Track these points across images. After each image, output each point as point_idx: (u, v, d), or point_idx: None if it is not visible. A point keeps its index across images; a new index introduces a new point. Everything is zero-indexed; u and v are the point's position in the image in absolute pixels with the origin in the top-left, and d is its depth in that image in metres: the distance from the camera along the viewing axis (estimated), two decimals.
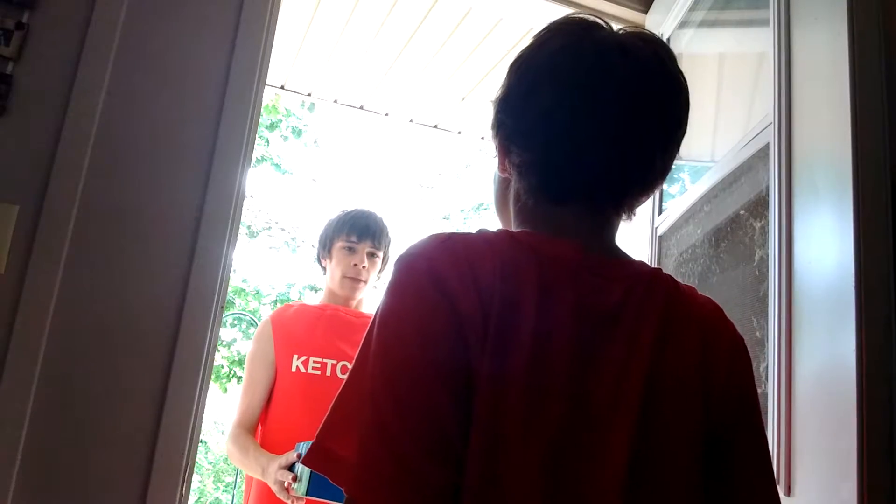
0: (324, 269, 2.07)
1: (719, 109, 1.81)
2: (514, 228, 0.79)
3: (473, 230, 0.73)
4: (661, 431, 0.67)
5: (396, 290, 0.67)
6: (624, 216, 0.79)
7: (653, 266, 0.79)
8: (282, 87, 3.16)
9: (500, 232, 0.74)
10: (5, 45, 1.27)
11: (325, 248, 2.03)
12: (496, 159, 0.82)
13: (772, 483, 0.76)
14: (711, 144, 1.82)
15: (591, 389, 0.66)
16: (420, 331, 0.64)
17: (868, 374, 0.99)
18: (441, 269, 0.65)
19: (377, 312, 0.67)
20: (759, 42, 1.60)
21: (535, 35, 0.79)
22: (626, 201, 0.77)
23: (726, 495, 0.72)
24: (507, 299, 0.65)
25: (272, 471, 1.63)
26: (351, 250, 1.97)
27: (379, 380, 0.64)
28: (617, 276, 0.73)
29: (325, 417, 0.67)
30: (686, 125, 0.79)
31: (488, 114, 0.83)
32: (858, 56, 1.10)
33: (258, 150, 11.01)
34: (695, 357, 0.72)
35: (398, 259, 0.69)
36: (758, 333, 1.29)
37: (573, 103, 0.72)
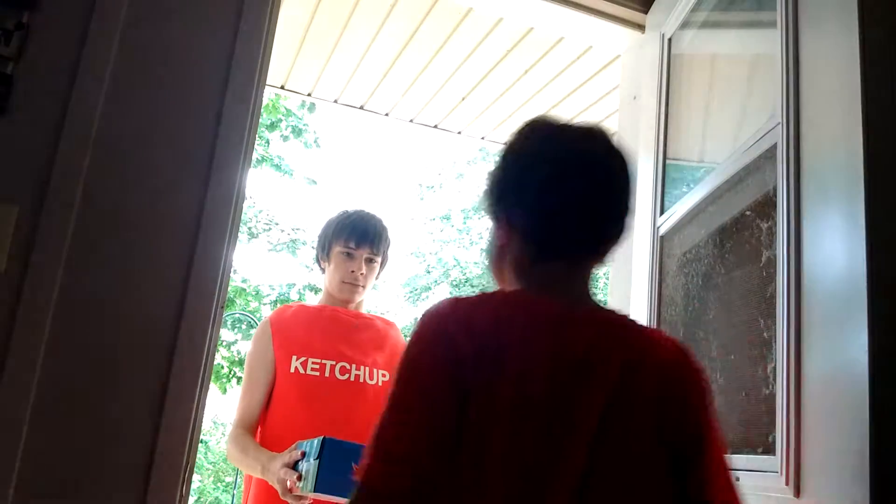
0: (322, 270, 2.07)
1: (721, 110, 1.81)
2: (510, 285, 0.99)
3: (481, 289, 0.99)
4: (613, 455, 0.87)
5: (417, 340, 0.90)
6: (599, 264, 1.00)
7: (621, 314, 0.98)
8: (282, 87, 3.16)
9: (497, 293, 0.97)
10: (5, 45, 1.27)
11: (324, 251, 2.03)
12: (493, 230, 1.02)
13: (731, 485, 0.97)
14: (713, 145, 1.82)
15: (561, 419, 0.86)
16: (431, 367, 0.87)
17: (880, 375, 0.98)
18: (448, 326, 0.88)
19: (405, 353, 0.90)
20: (763, 43, 1.60)
21: (518, 129, 1.02)
22: (600, 252, 0.99)
23: (693, 498, 0.92)
24: (498, 346, 0.86)
25: (275, 469, 1.63)
26: (349, 256, 1.96)
27: (399, 397, 0.87)
28: (589, 327, 0.92)
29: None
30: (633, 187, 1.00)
31: (482, 187, 1.04)
32: (869, 56, 1.09)
33: (258, 150, 11.01)
34: (651, 393, 0.91)
35: (422, 315, 0.92)
36: (765, 334, 1.28)
37: (558, 178, 0.95)
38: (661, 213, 1.80)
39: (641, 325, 0.99)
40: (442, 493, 0.82)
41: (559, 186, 0.94)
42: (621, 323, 0.96)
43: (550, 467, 0.84)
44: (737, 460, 1.29)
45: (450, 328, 0.88)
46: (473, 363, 0.85)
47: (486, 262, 1.06)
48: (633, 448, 0.89)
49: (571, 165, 0.95)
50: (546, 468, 0.84)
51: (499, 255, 1.01)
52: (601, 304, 0.98)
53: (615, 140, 1.00)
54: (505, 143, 1.02)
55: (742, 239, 1.46)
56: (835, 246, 1.11)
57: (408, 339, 0.93)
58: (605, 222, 0.97)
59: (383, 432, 0.84)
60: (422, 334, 0.90)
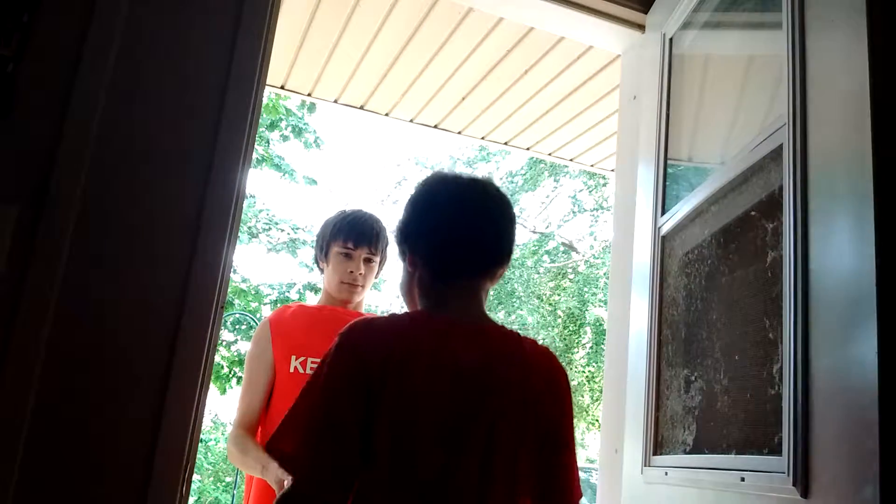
0: (321, 270, 2.07)
1: (724, 111, 1.80)
2: (418, 305, 1.23)
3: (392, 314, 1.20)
4: (503, 445, 1.09)
5: (334, 353, 1.11)
6: (490, 283, 1.24)
7: (509, 329, 1.22)
8: (282, 87, 3.16)
9: (404, 314, 1.19)
10: (5, 45, 1.26)
11: (322, 251, 2.02)
12: (404, 263, 1.24)
13: (574, 462, 1.21)
14: (715, 146, 1.82)
15: (463, 420, 1.08)
16: (341, 376, 1.08)
17: (890, 375, 0.98)
18: (359, 341, 1.10)
19: (324, 359, 1.11)
20: (767, 44, 1.59)
21: (420, 182, 1.27)
22: (486, 275, 1.23)
23: (545, 472, 1.15)
24: (402, 358, 1.08)
25: (273, 467, 1.63)
26: (347, 256, 1.96)
27: (313, 401, 1.09)
28: (478, 340, 1.16)
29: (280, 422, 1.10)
30: (515, 221, 1.29)
31: (393, 230, 1.29)
32: (878, 57, 1.09)
33: (258, 150, 11.01)
34: (529, 395, 1.15)
35: (341, 333, 1.12)
36: (770, 335, 1.28)
37: (448, 218, 1.21)
38: (663, 213, 1.80)
39: (517, 334, 1.22)
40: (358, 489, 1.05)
41: (449, 226, 1.20)
42: (500, 333, 1.19)
43: (452, 472, 1.05)
44: (742, 460, 1.30)
45: (361, 343, 1.09)
46: (379, 374, 1.06)
47: (400, 291, 1.28)
48: (519, 451, 1.11)
49: (459, 209, 1.21)
50: (448, 473, 1.05)
51: (408, 282, 1.25)
52: (489, 319, 1.22)
53: (496, 188, 1.27)
54: (410, 195, 1.26)
55: (746, 239, 1.46)
56: (843, 246, 1.11)
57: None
58: (486, 253, 1.22)
59: (292, 424, 1.08)
60: (339, 348, 1.10)
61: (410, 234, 1.22)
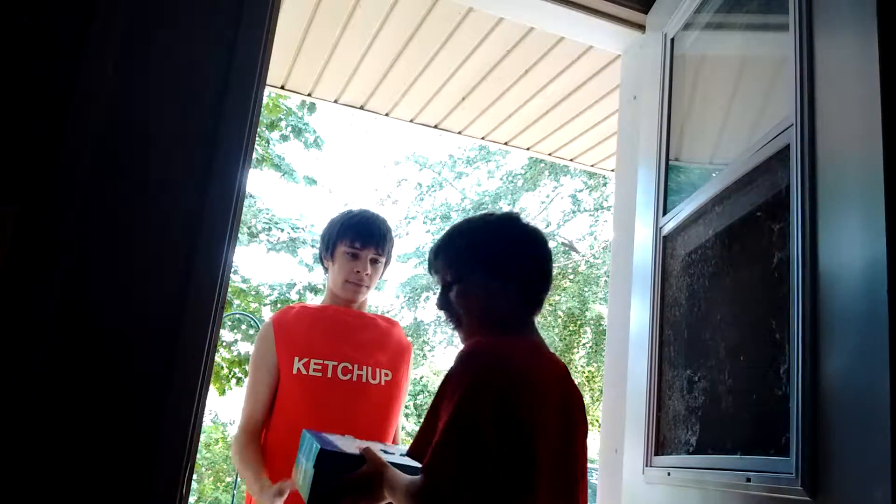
0: (325, 269, 2.07)
1: (726, 112, 1.80)
2: (481, 328, 1.37)
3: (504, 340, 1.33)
4: (582, 463, 1.34)
5: (473, 391, 1.20)
6: (537, 310, 1.43)
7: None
8: (282, 87, 3.16)
9: (515, 341, 1.32)
10: (5, 45, 1.26)
11: (328, 250, 2.01)
12: (469, 286, 1.39)
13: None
14: (716, 146, 1.81)
15: (569, 438, 1.31)
16: (481, 412, 1.19)
17: None
18: (495, 372, 1.22)
19: (457, 390, 1.19)
20: (770, 45, 1.59)
21: (485, 217, 1.48)
22: (540, 301, 1.42)
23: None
24: (532, 385, 1.26)
25: (269, 493, 1.66)
26: (354, 256, 1.95)
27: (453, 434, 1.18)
28: (558, 363, 1.38)
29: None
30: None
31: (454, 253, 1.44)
32: (887, 57, 1.08)
33: (258, 150, 11.00)
34: (582, 411, 1.38)
35: (465, 360, 1.26)
36: (777, 335, 1.28)
37: (543, 252, 1.43)
38: (664, 213, 1.80)
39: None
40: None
41: (545, 258, 1.42)
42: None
43: (571, 483, 1.28)
44: (748, 461, 1.29)
45: (497, 375, 1.20)
46: (515, 400, 1.20)
47: (455, 311, 1.40)
48: (581, 457, 1.33)
49: (545, 245, 1.43)
50: (568, 484, 1.28)
51: (477, 305, 1.37)
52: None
53: (539, 231, 1.46)
54: (476, 226, 1.44)
55: (752, 240, 1.46)
56: (852, 246, 1.11)
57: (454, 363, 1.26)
58: (547, 284, 1.42)
59: (444, 455, 1.16)
60: (473, 383, 1.19)
61: (492, 261, 1.36)
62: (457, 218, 15.77)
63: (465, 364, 1.22)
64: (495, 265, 1.36)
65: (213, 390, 10.41)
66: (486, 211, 2.16)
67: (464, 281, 1.38)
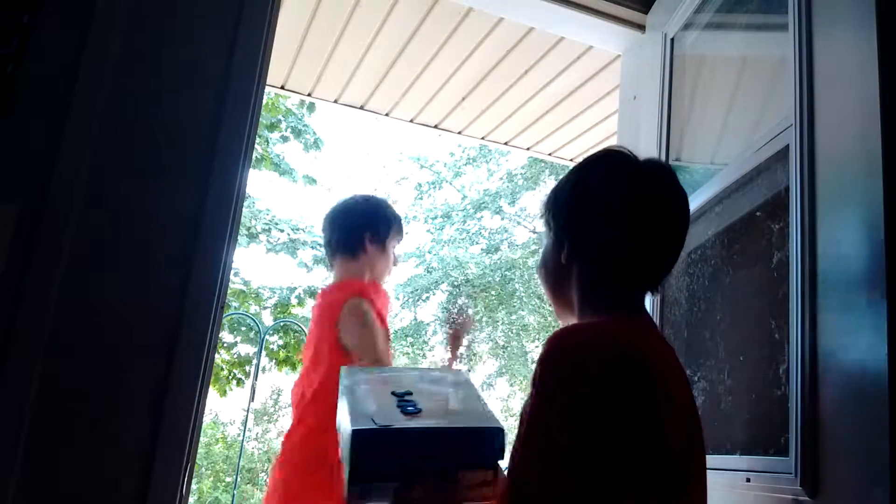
0: (365, 251, 2.09)
1: (726, 112, 1.80)
2: (577, 300, 1.07)
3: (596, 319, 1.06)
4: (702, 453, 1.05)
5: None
6: (654, 292, 1.11)
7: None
8: (282, 87, 3.16)
9: (631, 322, 1.04)
10: (5, 46, 1.26)
11: (380, 237, 2.12)
12: (557, 249, 1.09)
13: None
14: (716, 146, 1.81)
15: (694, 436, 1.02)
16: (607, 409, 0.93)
17: None
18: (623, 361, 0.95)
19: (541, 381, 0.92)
20: (770, 45, 1.59)
21: (587, 162, 1.12)
22: (664, 279, 1.10)
23: None
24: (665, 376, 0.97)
25: None
26: (396, 251, 2.17)
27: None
28: (666, 342, 1.08)
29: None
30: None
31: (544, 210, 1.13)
32: (887, 57, 1.09)
33: (258, 150, 11.00)
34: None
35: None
36: (776, 335, 1.28)
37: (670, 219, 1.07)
38: None
39: None
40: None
41: (661, 226, 1.05)
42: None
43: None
44: (747, 461, 1.29)
45: (597, 353, 0.93)
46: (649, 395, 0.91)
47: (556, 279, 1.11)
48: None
49: (672, 209, 1.06)
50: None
51: (559, 273, 1.10)
52: None
53: (674, 175, 1.10)
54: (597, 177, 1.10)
55: (752, 240, 1.46)
56: (852, 246, 1.11)
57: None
58: (671, 257, 1.09)
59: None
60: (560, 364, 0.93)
61: (588, 228, 1.06)
62: (456, 217, 15.79)
63: (550, 350, 0.94)
64: (601, 227, 1.05)
65: (213, 391, 10.42)
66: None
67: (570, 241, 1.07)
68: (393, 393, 1.07)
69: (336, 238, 2.12)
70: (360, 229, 2.09)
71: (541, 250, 1.16)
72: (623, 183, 1.06)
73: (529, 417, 0.91)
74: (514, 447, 0.94)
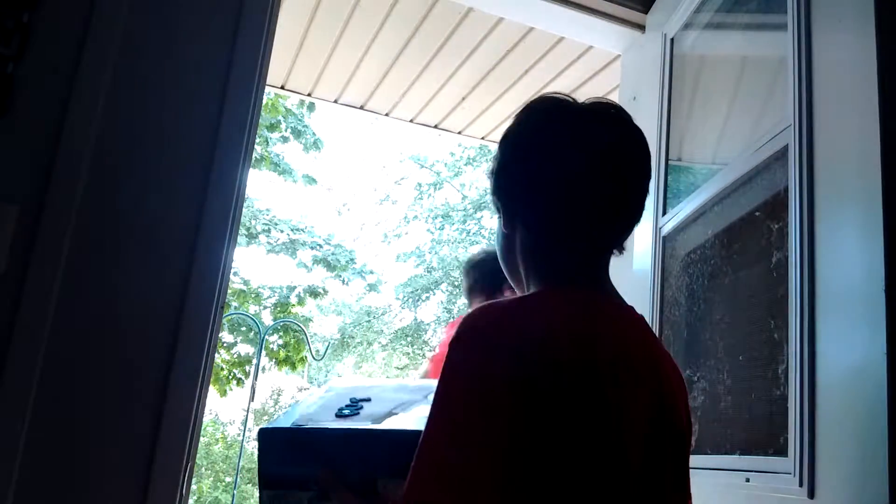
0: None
1: (725, 111, 1.80)
2: (524, 273, 0.94)
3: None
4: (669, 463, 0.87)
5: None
6: (616, 252, 0.95)
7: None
8: (282, 87, 3.16)
9: (580, 294, 0.88)
10: (5, 46, 1.26)
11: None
12: (502, 218, 0.95)
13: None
14: (716, 147, 1.82)
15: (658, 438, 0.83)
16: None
17: None
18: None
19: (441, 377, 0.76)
20: (770, 45, 1.59)
21: (519, 113, 0.94)
22: (623, 238, 0.94)
23: None
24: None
25: None
26: None
27: None
28: (631, 319, 0.89)
29: None
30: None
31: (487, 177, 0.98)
32: (886, 57, 1.09)
33: (258, 150, 11.00)
34: (670, 384, 0.88)
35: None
36: (775, 335, 1.28)
37: (591, 165, 0.89)
38: (664, 213, 1.80)
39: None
40: None
41: (601, 177, 0.89)
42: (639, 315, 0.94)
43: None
44: (746, 461, 1.29)
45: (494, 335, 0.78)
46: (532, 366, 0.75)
47: (511, 254, 0.96)
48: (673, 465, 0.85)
49: (615, 155, 0.91)
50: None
51: (507, 244, 0.96)
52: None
53: (626, 115, 0.94)
54: (519, 129, 0.93)
55: (751, 240, 1.46)
56: (850, 246, 1.11)
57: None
58: (630, 210, 0.93)
59: None
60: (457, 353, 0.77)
61: (519, 186, 0.92)
62: (456, 217, 15.78)
63: (459, 332, 0.78)
64: (511, 186, 0.93)
65: (212, 392, 10.41)
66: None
67: (508, 209, 0.94)
68: (350, 399, 0.92)
69: (478, 281, 2.28)
70: (502, 274, 2.13)
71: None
72: (551, 129, 0.91)
73: (430, 412, 0.74)
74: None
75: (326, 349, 15.58)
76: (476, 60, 2.86)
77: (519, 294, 0.96)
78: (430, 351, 15.90)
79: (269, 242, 13.14)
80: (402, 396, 0.93)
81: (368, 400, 0.91)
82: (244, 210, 1.35)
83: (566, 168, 0.88)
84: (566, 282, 0.90)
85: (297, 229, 13.28)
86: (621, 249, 0.95)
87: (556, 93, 0.94)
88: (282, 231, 13.19)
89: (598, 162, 0.89)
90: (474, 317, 0.80)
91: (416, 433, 0.73)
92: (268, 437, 0.88)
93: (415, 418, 0.84)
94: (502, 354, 0.73)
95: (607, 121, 0.92)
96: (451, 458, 0.70)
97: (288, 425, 0.87)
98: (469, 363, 0.75)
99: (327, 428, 0.85)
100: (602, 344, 0.78)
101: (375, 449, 0.82)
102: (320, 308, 16.31)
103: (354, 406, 0.90)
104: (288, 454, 0.86)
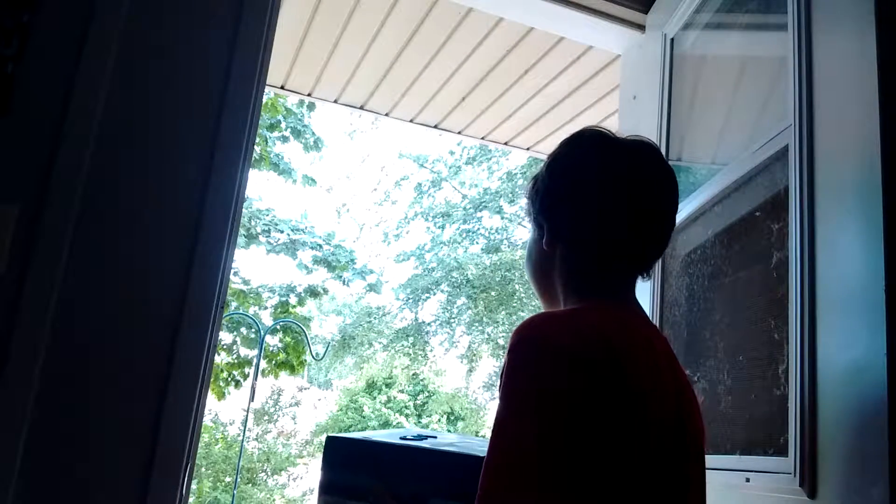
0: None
1: (725, 111, 1.80)
2: (561, 288, 1.03)
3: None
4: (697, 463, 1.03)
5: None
6: (645, 276, 1.06)
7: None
8: (282, 87, 3.16)
9: (614, 308, 0.99)
10: (5, 46, 1.26)
11: None
12: (540, 236, 1.05)
13: None
14: (716, 147, 1.82)
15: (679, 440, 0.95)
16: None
17: None
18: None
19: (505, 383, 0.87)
20: (771, 45, 1.59)
21: (568, 142, 1.07)
22: (654, 263, 1.06)
23: None
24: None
25: None
26: None
27: None
28: (658, 335, 1.02)
29: None
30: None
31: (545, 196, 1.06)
32: (886, 57, 1.09)
33: (258, 150, 11.00)
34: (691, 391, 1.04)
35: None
36: (775, 335, 1.28)
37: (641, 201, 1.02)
38: None
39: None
40: None
41: (641, 205, 1.01)
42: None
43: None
44: (747, 461, 1.29)
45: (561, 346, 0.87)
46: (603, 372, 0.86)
47: (535, 272, 1.08)
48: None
49: (652, 187, 1.03)
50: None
51: (543, 261, 1.06)
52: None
53: (660, 153, 1.07)
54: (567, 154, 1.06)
55: (751, 240, 1.46)
56: (851, 246, 1.11)
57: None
58: (665, 238, 1.06)
59: None
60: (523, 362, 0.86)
61: (568, 212, 1.02)
62: (456, 217, 15.78)
63: (516, 341, 0.87)
64: (554, 206, 1.03)
65: (211, 392, 10.40)
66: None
67: (549, 226, 1.04)
68: (417, 434, 0.97)
69: None
70: None
71: (526, 242, 1.13)
72: (599, 161, 1.02)
73: (496, 420, 0.82)
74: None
75: (326, 350, 15.58)
76: (476, 60, 2.86)
77: (545, 306, 1.07)
78: (431, 351, 15.90)
79: (269, 243, 13.13)
80: (466, 440, 0.99)
81: (434, 437, 0.96)
82: (244, 210, 1.35)
83: (612, 200, 1.00)
84: (604, 298, 1.00)
85: (297, 229, 13.27)
86: (649, 273, 1.06)
87: (599, 126, 1.07)
88: (282, 231, 13.18)
89: (640, 195, 1.01)
90: (529, 328, 0.89)
91: (477, 458, 0.77)
92: (333, 445, 0.94)
93: (479, 449, 0.87)
94: (562, 359, 0.83)
95: (647, 158, 1.04)
96: (524, 447, 0.78)
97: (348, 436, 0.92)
98: (532, 366, 0.84)
99: (391, 442, 0.90)
100: (636, 353, 0.90)
101: (434, 468, 0.86)
102: (320, 308, 16.30)
103: (420, 438, 0.94)
104: (350, 463, 0.91)
